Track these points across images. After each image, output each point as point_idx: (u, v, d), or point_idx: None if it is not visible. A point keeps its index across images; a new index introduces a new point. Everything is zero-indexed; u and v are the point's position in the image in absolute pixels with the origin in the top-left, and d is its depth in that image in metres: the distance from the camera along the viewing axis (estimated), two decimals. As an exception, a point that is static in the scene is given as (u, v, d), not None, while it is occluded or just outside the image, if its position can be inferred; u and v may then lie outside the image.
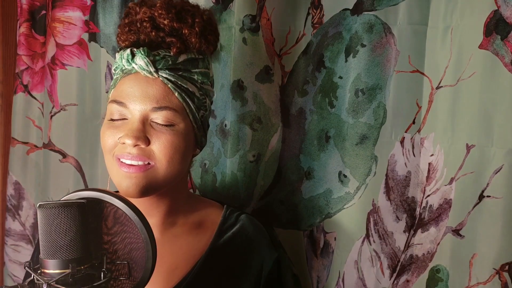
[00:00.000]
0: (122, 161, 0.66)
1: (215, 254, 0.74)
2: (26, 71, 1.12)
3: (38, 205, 0.51)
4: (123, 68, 0.68)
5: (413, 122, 0.81)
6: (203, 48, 0.70)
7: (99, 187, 0.91)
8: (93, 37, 1.05)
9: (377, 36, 0.81)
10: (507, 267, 0.70)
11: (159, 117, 0.66)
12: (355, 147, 0.84)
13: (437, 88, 0.78)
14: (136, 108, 0.65)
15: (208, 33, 0.70)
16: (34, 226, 1.15)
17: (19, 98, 1.13)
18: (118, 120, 0.67)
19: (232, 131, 0.94)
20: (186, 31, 0.67)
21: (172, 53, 0.66)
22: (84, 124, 1.08)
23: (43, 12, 1.10)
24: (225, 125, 0.95)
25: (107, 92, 1.05)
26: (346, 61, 0.84)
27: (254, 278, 0.76)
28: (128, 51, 0.65)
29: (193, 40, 0.68)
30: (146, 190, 0.66)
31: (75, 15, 1.05)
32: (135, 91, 0.66)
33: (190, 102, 0.68)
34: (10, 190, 1.16)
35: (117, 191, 0.76)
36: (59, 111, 1.08)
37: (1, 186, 1.17)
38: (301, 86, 0.91)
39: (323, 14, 0.88)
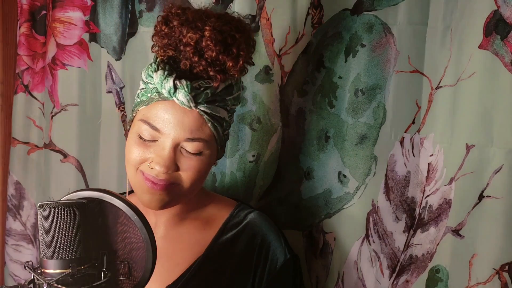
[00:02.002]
0: (148, 177, 0.67)
1: (216, 251, 0.74)
2: (27, 71, 1.13)
3: (38, 205, 0.51)
4: (161, 93, 0.65)
5: (413, 122, 0.81)
6: (243, 74, 0.70)
7: (99, 187, 0.91)
8: (94, 37, 1.05)
9: (377, 36, 0.81)
10: (507, 267, 0.70)
11: (190, 147, 0.66)
12: (355, 147, 0.84)
13: (437, 88, 0.78)
14: (170, 136, 0.65)
15: (249, 59, 0.69)
16: (35, 226, 1.15)
17: (20, 98, 1.13)
18: (148, 140, 0.67)
19: (232, 131, 0.94)
20: (230, 64, 0.65)
21: (213, 85, 0.65)
22: (85, 124, 1.08)
23: (43, 12, 1.10)
24: (225, 125, 0.95)
25: (107, 92, 1.05)
26: (345, 61, 0.84)
27: (257, 278, 0.74)
28: (171, 83, 0.63)
29: (236, 74, 0.66)
30: (167, 204, 0.69)
31: (75, 15, 1.05)
32: (171, 118, 0.65)
33: (219, 129, 0.68)
34: (11, 190, 1.17)
35: (131, 191, 0.75)
36: (60, 111, 1.09)
37: (1, 186, 1.18)
38: (300, 86, 0.91)
39: (323, 14, 0.88)
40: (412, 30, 0.80)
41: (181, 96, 0.63)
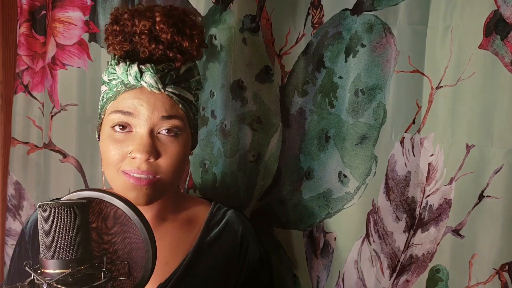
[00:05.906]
0: (130, 174, 0.67)
1: (203, 249, 0.76)
2: (27, 71, 1.13)
3: (38, 205, 0.51)
4: (127, 83, 0.67)
5: (413, 122, 0.81)
6: (199, 58, 0.73)
7: (99, 187, 0.91)
8: (93, 37, 1.05)
9: (377, 36, 0.81)
10: (507, 267, 0.70)
11: (167, 126, 0.67)
12: (355, 147, 0.84)
13: (437, 88, 0.78)
14: (143, 118, 0.66)
15: (203, 42, 0.73)
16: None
17: (20, 98, 1.13)
18: (121, 132, 0.67)
19: (232, 131, 0.94)
20: (186, 44, 0.68)
21: (176, 67, 0.68)
22: (85, 124, 1.08)
23: (43, 12, 1.10)
24: (225, 125, 0.95)
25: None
26: (346, 61, 0.84)
27: (239, 273, 0.78)
28: (136, 68, 0.64)
29: (194, 53, 0.70)
30: (153, 199, 0.69)
31: (75, 15, 1.05)
32: (143, 102, 0.66)
33: (189, 112, 0.71)
34: (10, 190, 1.17)
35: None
36: (60, 111, 1.09)
37: (1, 186, 1.18)
38: (301, 86, 0.91)
39: (323, 14, 0.88)
40: (412, 30, 0.79)
41: (148, 77, 0.65)
